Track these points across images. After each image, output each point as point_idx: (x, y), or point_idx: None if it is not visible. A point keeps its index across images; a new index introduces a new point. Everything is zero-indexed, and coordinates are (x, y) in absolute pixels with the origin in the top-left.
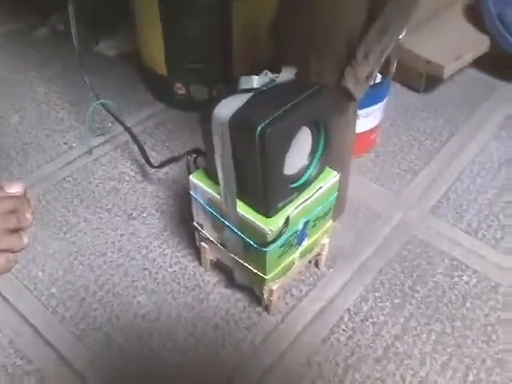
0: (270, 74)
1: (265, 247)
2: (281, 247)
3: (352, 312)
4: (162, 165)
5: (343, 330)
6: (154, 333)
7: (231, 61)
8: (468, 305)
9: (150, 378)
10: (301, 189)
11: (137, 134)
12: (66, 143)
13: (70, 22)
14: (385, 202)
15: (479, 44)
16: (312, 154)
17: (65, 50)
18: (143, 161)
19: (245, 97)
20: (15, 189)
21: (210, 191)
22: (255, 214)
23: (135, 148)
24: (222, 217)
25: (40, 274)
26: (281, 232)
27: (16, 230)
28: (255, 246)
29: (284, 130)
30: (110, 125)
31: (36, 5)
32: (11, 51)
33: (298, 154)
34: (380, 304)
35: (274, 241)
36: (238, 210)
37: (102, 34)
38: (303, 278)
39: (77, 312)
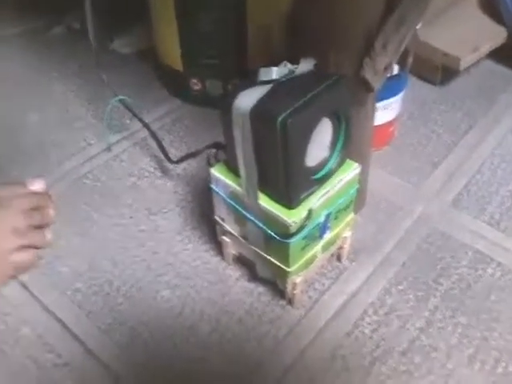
0: (289, 66)
1: (288, 239)
2: (303, 239)
3: (376, 305)
4: (181, 160)
5: (368, 324)
6: (177, 327)
7: (246, 55)
8: (493, 297)
9: (174, 371)
10: (322, 180)
11: (155, 130)
12: (85, 140)
13: (87, 21)
14: (405, 195)
15: (496, 35)
16: (333, 146)
17: (81, 49)
18: (162, 157)
19: (264, 88)
20: (37, 186)
21: (232, 184)
22: (277, 206)
23: (153, 144)
24: (243, 210)
25: (65, 269)
26: (303, 224)
27: (40, 227)
28: (278, 239)
29: (305, 120)
30: (128, 121)
31: (51, 4)
32: (28, 51)
33: (319, 145)
34: (404, 297)
35: (296, 232)
36: (260, 202)
37: (117, 31)
38: (326, 271)
39: (102, 307)
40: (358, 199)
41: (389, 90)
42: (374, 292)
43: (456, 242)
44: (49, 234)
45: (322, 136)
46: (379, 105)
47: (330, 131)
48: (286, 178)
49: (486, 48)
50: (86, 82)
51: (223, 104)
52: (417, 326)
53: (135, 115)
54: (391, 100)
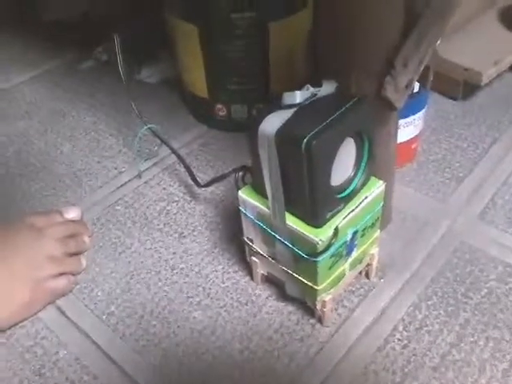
0: (311, 89)
1: (315, 257)
2: (331, 258)
3: (406, 321)
4: (209, 184)
5: (398, 340)
6: (210, 347)
7: (269, 80)
8: None
9: None
10: (347, 199)
11: (183, 155)
12: (115, 168)
13: (117, 53)
14: (431, 211)
15: None
16: (357, 165)
17: (109, 80)
18: (190, 181)
19: (289, 112)
20: (72, 214)
21: (259, 205)
22: (304, 225)
23: (182, 169)
24: (271, 230)
25: (99, 293)
26: (330, 242)
27: (75, 254)
28: (306, 257)
29: (329, 141)
30: (155, 148)
31: (80, 39)
32: (60, 85)
33: (344, 165)
34: (434, 312)
35: (324, 251)
36: (287, 222)
37: (144, 62)
38: (354, 289)
39: (136, 329)
40: (384, 216)
41: (410, 108)
42: (404, 308)
43: (484, 256)
44: (84, 261)
45: (346, 156)
46: (401, 122)
47: (354, 151)
48: (311, 197)
49: (508, 61)
50: (115, 112)
51: (249, 128)
52: (448, 340)
53: (164, 142)
54: (413, 117)
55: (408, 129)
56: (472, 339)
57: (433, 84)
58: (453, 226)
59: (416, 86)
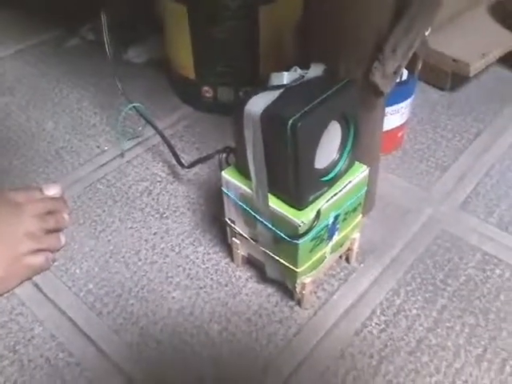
0: (299, 71)
1: (296, 240)
2: (312, 240)
3: (384, 306)
4: (193, 164)
5: (376, 324)
6: (188, 327)
7: (258, 63)
8: (502, 298)
9: (184, 370)
10: (331, 182)
11: (167, 136)
12: (98, 147)
13: (103, 32)
14: (414, 198)
15: (505, 41)
16: (341, 149)
17: (95, 59)
18: (174, 162)
19: (275, 93)
20: (53, 191)
21: (242, 186)
22: (287, 207)
23: (166, 150)
24: (253, 211)
25: (77, 271)
26: (312, 224)
27: (54, 231)
28: (287, 239)
29: (314, 123)
30: (140, 128)
31: (66, 16)
32: (44, 61)
33: (328, 148)
34: (412, 298)
35: (305, 233)
36: (270, 203)
37: (131, 42)
38: (334, 272)
39: (114, 307)
40: (367, 202)
41: (398, 95)
42: (383, 293)
43: (464, 244)
44: (63, 238)
45: (331, 139)
46: (388, 110)
47: (339, 134)
48: (295, 179)
49: (496, 54)
50: (100, 91)
51: (235, 108)
52: (425, 325)
53: (148, 122)
54: (400, 105)
55: (395, 117)
56: (448, 324)
57: (421, 74)
58: (435, 214)
59: (404, 74)
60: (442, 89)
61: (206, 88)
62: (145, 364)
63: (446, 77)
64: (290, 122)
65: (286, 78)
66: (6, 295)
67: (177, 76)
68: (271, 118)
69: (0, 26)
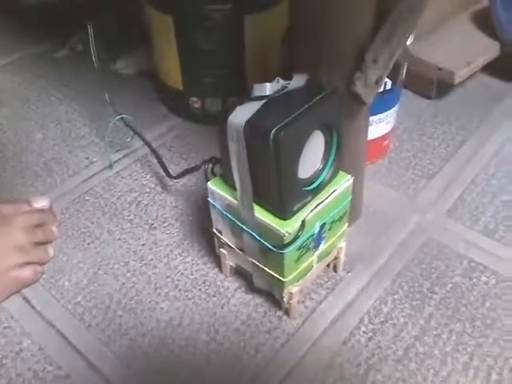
0: (281, 81)
1: (282, 250)
2: (298, 250)
3: (372, 314)
4: (180, 175)
5: (363, 332)
6: (176, 338)
7: (244, 73)
8: (488, 305)
9: (173, 381)
10: (315, 192)
11: (155, 147)
12: (87, 158)
13: (90, 43)
14: (400, 207)
15: (489, 49)
16: (325, 158)
17: (84, 70)
18: (162, 173)
19: (258, 104)
20: (41, 203)
21: (228, 197)
22: (272, 217)
23: (154, 161)
24: (239, 222)
25: (66, 283)
26: (297, 234)
27: (42, 243)
28: (273, 249)
29: (297, 133)
30: (128, 139)
31: (55, 28)
32: (34, 72)
33: (312, 157)
34: (399, 306)
35: (291, 243)
36: (255, 214)
37: (119, 53)
38: (322, 282)
39: (102, 319)
40: (353, 211)
41: (382, 104)
42: (370, 301)
43: (451, 252)
44: (51, 250)
45: (315, 148)
46: (373, 119)
47: (322, 144)
48: (278, 189)
49: (480, 62)
50: (89, 103)
51: (219, 119)
52: (412, 334)
53: (136, 133)
54: (385, 114)
55: (380, 125)
56: (435, 332)
57: (407, 83)
58: (421, 222)
59: (388, 83)
60: (427, 97)
61: (193, 99)
62: (133, 376)
63: (432, 85)
64: (272, 132)
65: (268, 88)
66: None
67: (165, 87)
68: (254, 129)
69: None
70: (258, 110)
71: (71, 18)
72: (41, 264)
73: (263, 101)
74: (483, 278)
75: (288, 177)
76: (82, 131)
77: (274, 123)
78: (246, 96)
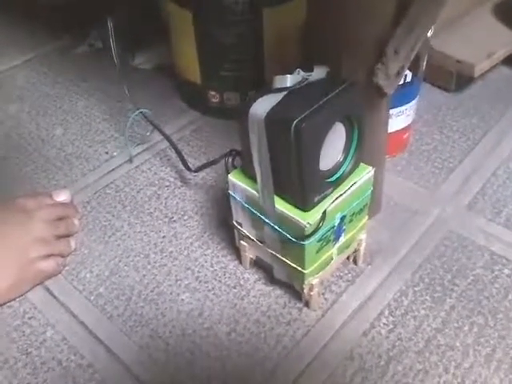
0: (302, 73)
1: (303, 241)
2: (318, 242)
3: (392, 306)
4: (200, 168)
5: (384, 324)
6: (197, 329)
7: (263, 67)
8: (510, 297)
9: (193, 371)
10: (336, 184)
11: (174, 141)
12: (107, 153)
13: (110, 38)
14: (421, 200)
15: (510, 41)
16: (346, 150)
17: (103, 66)
18: (181, 167)
19: (279, 95)
20: (62, 196)
21: (248, 189)
22: (293, 208)
23: (173, 155)
24: (260, 213)
25: (88, 275)
26: (318, 226)
27: (64, 236)
28: (294, 241)
29: (318, 124)
30: (148, 134)
31: (75, 24)
32: (53, 69)
33: (333, 149)
34: (420, 298)
35: (311, 234)
36: (276, 205)
37: (138, 48)
38: (342, 274)
39: (124, 310)
40: (373, 204)
41: (402, 97)
42: (390, 293)
43: (472, 245)
44: (73, 243)
45: (336, 140)
46: (393, 112)
47: (344, 136)
48: (300, 181)
49: (501, 54)
50: (108, 98)
51: (240, 111)
52: (433, 326)
53: (155, 127)
54: (405, 107)
55: (400, 118)
56: (457, 325)
57: (426, 76)
58: (442, 215)
59: (408, 76)
60: (447, 90)
61: (212, 93)
62: (154, 365)
63: (451, 78)
64: (294, 123)
65: (289, 80)
66: (18, 299)
67: (183, 81)
68: (275, 121)
69: (9, 36)
70: (280, 102)
71: (90, 14)
72: (63, 256)
73: (284, 92)
74: (506, 271)
75: (309, 168)
76: (101, 126)
77: (295, 114)
78: (267, 88)
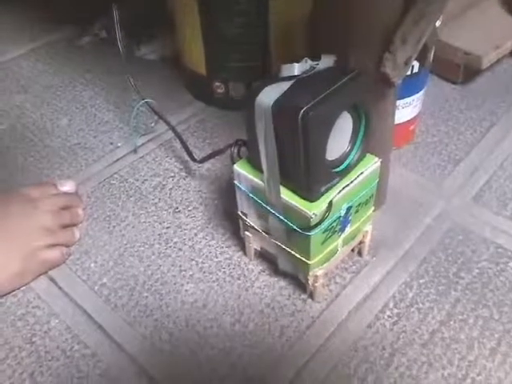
0: (309, 62)
1: (308, 231)
2: (324, 232)
3: (397, 298)
4: (205, 159)
5: (388, 316)
6: (201, 319)
7: (269, 58)
8: None
9: (197, 361)
10: (343, 174)
11: (179, 132)
12: (111, 143)
13: (115, 28)
14: (426, 192)
15: None
16: (353, 140)
17: (108, 56)
18: (186, 158)
19: (286, 84)
20: (67, 186)
21: (254, 179)
22: (298, 199)
23: (178, 146)
24: (266, 204)
25: (92, 265)
26: (324, 216)
27: (69, 226)
28: (299, 231)
29: (325, 113)
30: (153, 124)
31: (80, 15)
32: (58, 59)
33: (340, 139)
34: (425, 291)
35: (317, 225)
36: (282, 195)
37: (143, 38)
38: (347, 266)
39: (128, 300)
40: (379, 195)
41: (409, 88)
42: (395, 286)
43: (477, 237)
44: (77, 233)
45: (343, 130)
46: (400, 103)
47: (351, 125)
48: (306, 170)
49: (508, 46)
50: (113, 88)
51: (247, 99)
52: (438, 318)
53: (160, 117)
54: (412, 98)
55: (406, 110)
56: (461, 317)
57: (433, 68)
58: (447, 207)
59: (415, 66)
60: (454, 82)
61: (217, 84)
62: (158, 355)
63: (458, 70)
64: (301, 112)
65: (296, 69)
66: (22, 289)
67: (188, 72)
68: (282, 109)
69: (13, 25)
70: (287, 90)
71: (95, 4)
72: (67, 246)
73: (291, 81)
74: (511, 264)
75: (316, 158)
76: (106, 116)
77: (302, 103)
78: (274, 76)
